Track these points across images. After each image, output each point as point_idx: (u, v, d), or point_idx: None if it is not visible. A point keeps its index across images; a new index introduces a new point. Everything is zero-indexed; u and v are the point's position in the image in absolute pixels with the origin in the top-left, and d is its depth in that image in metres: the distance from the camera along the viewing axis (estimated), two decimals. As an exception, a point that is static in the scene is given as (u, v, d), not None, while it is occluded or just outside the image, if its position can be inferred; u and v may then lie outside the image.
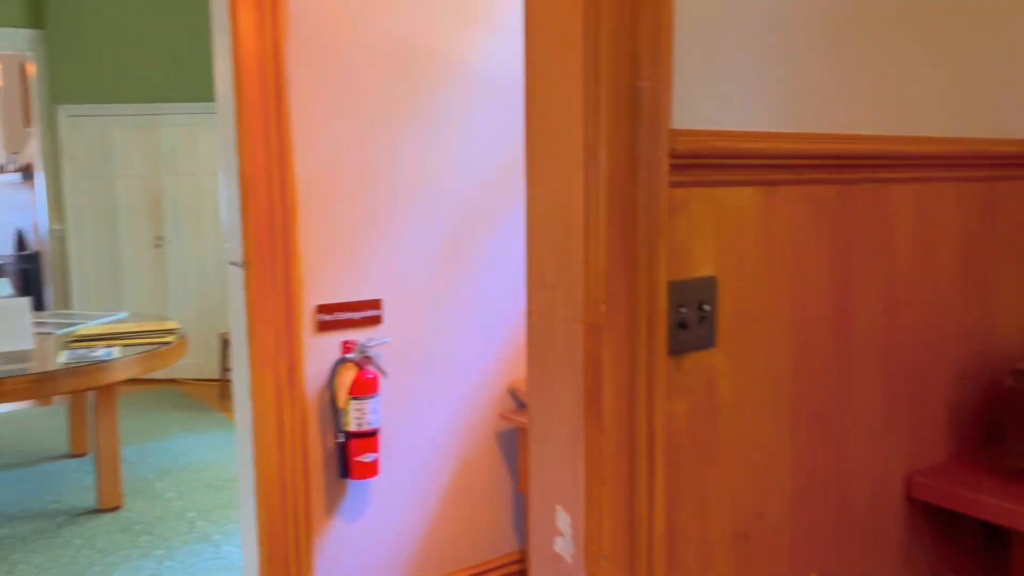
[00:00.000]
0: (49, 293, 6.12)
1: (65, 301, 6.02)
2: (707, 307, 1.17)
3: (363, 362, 2.18)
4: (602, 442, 1.06)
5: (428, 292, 2.40)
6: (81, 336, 3.69)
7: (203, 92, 5.74)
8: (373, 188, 2.29)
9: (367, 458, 2.17)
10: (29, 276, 6.49)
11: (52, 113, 5.95)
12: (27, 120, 10.52)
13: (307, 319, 2.16)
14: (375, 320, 2.27)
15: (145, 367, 3.53)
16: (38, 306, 6.93)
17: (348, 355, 2.20)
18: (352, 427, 2.15)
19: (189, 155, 5.78)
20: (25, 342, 3.27)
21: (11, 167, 9.41)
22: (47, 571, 3.09)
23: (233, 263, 2.12)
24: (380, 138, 2.29)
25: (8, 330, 3.22)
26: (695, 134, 1.12)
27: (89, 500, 3.76)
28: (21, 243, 9.61)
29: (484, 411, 2.55)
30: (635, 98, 1.03)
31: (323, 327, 2.18)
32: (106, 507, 3.63)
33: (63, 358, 3.29)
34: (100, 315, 4.33)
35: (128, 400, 5.42)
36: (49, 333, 3.84)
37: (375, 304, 2.27)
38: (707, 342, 1.19)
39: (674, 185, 1.11)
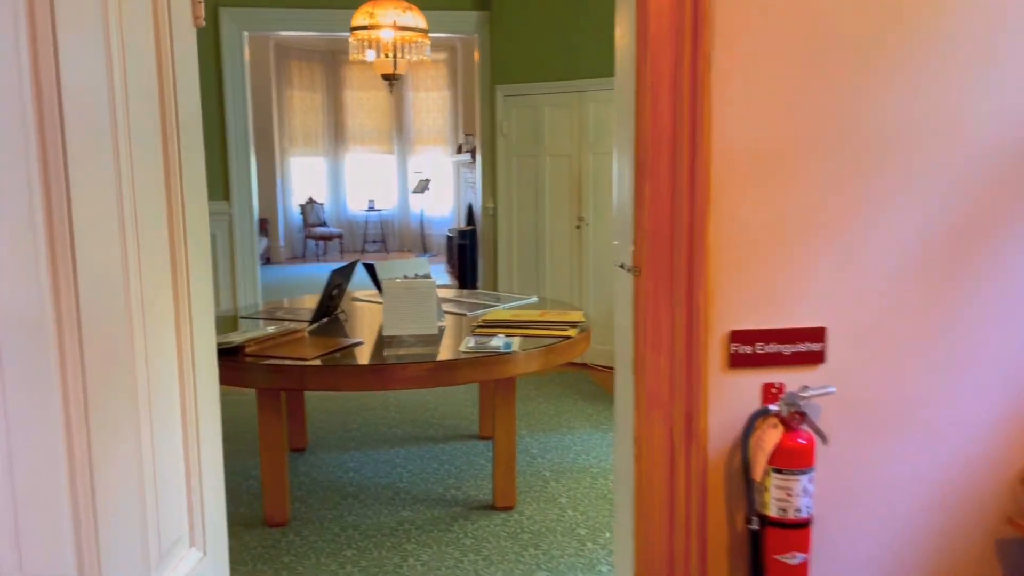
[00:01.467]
0: (480, 271, 6.35)
1: (493, 280, 6.18)
2: None
3: (792, 418, 1.51)
4: None
5: (898, 322, 1.62)
6: (487, 321, 3.52)
7: (631, 64, 5.39)
8: (820, 166, 1.58)
9: (792, 559, 1.50)
10: (464, 252, 6.81)
11: (491, 93, 6.09)
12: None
13: (715, 349, 1.55)
14: (814, 358, 1.57)
15: (543, 363, 3.23)
16: (468, 283, 7.29)
17: (771, 406, 1.55)
18: (772, 511, 1.50)
19: (611, 133, 5.48)
20: (431, 326, 3.15)
21: (466, 147, 10.25)
22: (433, 571, 2.95)
23: (621, 265, 1.60)
24: (839, 93, 1.57)
25: (417, 313, 3.13)
26: None
27: (486, 492, 3.61)
28: (471, 219, 10.42)
29: (978, 508, 1.69)
30: None
31: (737, 362, 1.55)
32: (500, 505, 3.44)
33: (465, 345, 3.12)
34: (513, 297, 4.20)
35: (537, 382, 5.33)
36: (463, 315, 3.77)
37: (816, 335, 1.57)
38: None
39: None
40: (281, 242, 12.54)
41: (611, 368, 5.73)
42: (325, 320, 3.67)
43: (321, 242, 12.77)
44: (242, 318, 3.85)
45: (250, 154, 5.99)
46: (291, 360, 3.01)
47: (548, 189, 5.77)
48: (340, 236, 12.74)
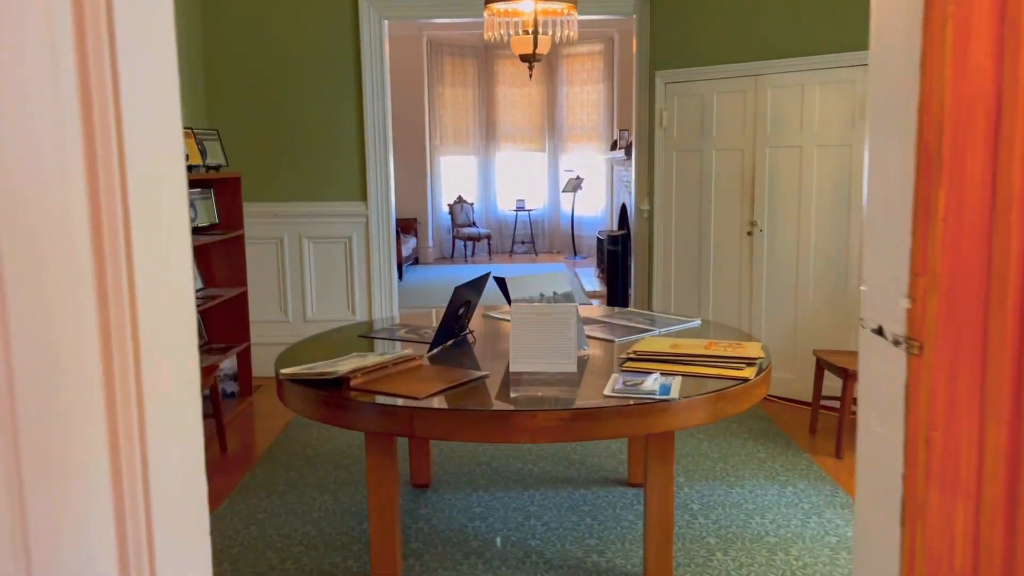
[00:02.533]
0: (632, 281, 5.65)
1: (647, 292, 5.48)
2: None
3: None
4: None
5: None
6: (639, 353, 2.86)
7: (817, 42, 4.54)
8: None
9: None
10: (616, 260, 6.09)
11: (650, 80, 5.40)
12: (636, 96, 10.65)
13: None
14: None
15: (710, 413, 2.53)
16: (619, 300, 6.54)
17: None
18: None
19: (792, 123, 4.66)
20: (569, 361, 2.54)
21: (621, 144, 9.55)
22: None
23: (878, 330, 0.93)
24: None
25: (552, 345, 2.53)
26: None
27: (635, 562, 2.96)
28: (624, 221, 9.70)
29: None
30: None
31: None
32: (651, 581, 2.78)
33: (612, 387, 2.49)
34: (670, 319, 3.51)
35: (700, 414, 4.59)
36: (610, 341, 3.13)
37: None
38: None
39: None
40: (430, 242, 12.32)
41: (789, 400, 4.95)
42: (450, 343, 3.14)
43: (469, 242, 12.45)
44: (360, 336, 3.38)
45: (389, 152, 5.60)
46: (401, 398, 2.49)
47: (714, 188, 5.01)
48: (488, 236, 12.37)
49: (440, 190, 12.51)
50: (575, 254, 12.32)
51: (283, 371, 2.75)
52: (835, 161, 4.55)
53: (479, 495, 3.57)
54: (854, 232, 4.51)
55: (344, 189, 5.62)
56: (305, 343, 3.31)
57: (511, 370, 2.50)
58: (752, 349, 2.90)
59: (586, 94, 12.24)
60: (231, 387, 5.10)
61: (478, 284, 3.24)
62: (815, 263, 4.66)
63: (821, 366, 4.24)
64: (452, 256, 12.61)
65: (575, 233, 12.41)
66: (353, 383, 2.60)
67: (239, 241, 5.00)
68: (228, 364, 5.06)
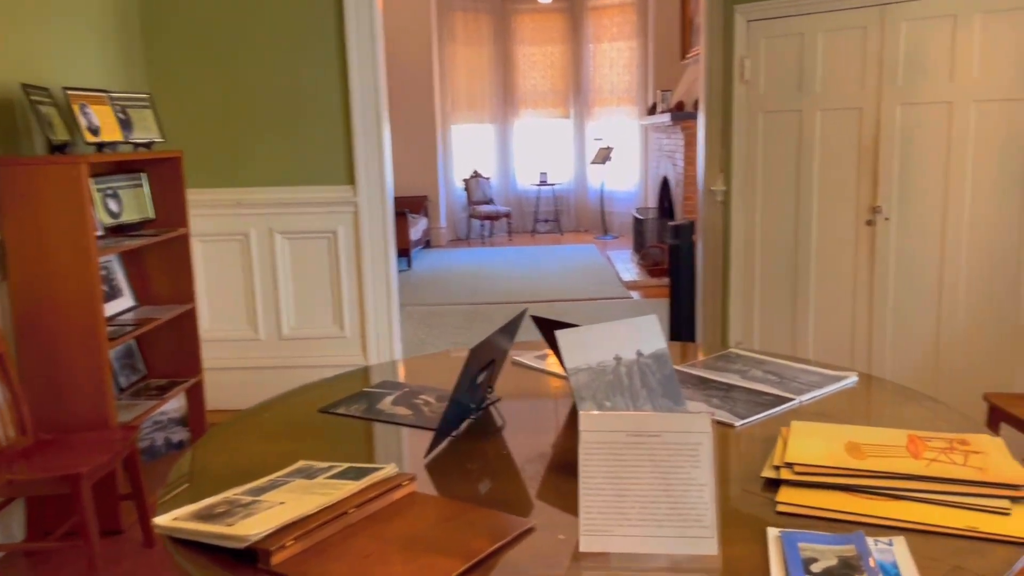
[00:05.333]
0: (698, 291, 4.33)
1: (720, 307, 4.19)
2: None
3: None
4: None
5: None
6: (799, 472, 1.59)
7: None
8: None
9: None
10: (678, 261, 4.70)
11: (726, 17, 4.07)
12: (684, 51, 9.26)
13: None
14: None
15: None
16: (684, 316, 4.69)
17: None
18: None
19: (938, 69, 3.34)
20: (705, 535, 1.24)
21: (663, 106, 8.22)
22: None
23: None
24: None
25: (669, 494, 1.25)
26: None
27: None
28: (665, 197, 8.38)
29: None
30: None
31: None
32: None
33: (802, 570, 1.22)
34: (808, 371, 2.23)
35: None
36: (728, 425, 1.85)
37: None
38: None
39: None
40: (442, 223, 11.05)
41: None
42: (460, 431, 1.89)
43: (487, 222, 11.18)
44: (322, 412, 2.13)
45: (383, 124, 4.33)
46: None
47: (817, 162, 3.71)
48: (508, 215, 11.09)
49: (453, 164, 11.22)
50: (605, 233, 11.01)
51: (159, 521, 1.51)
52: (1004, 122, 3.23)
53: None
54: (1032, 223, 3.21)
55: (326, 171, 4.36)
56: (220, 433, 2.03)
57: (581, 549, 1.23)
58: (998, 456, 1.63)
59: (616, 51, 10.84)
60: (179, 435, 3.89)
61: (509, 331, 1.98)
62: (968, 266, 3.36)
63: (997, 416, 2.96)
64: (468, 238, 11.36)
65: (605, 210, 11.09)
66: (276, 560, 1.36)
67: (183, 243, 3.75)
68: (174, 405, 3.84)
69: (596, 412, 1.34)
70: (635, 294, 7.25)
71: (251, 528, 1.39)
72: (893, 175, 3.48)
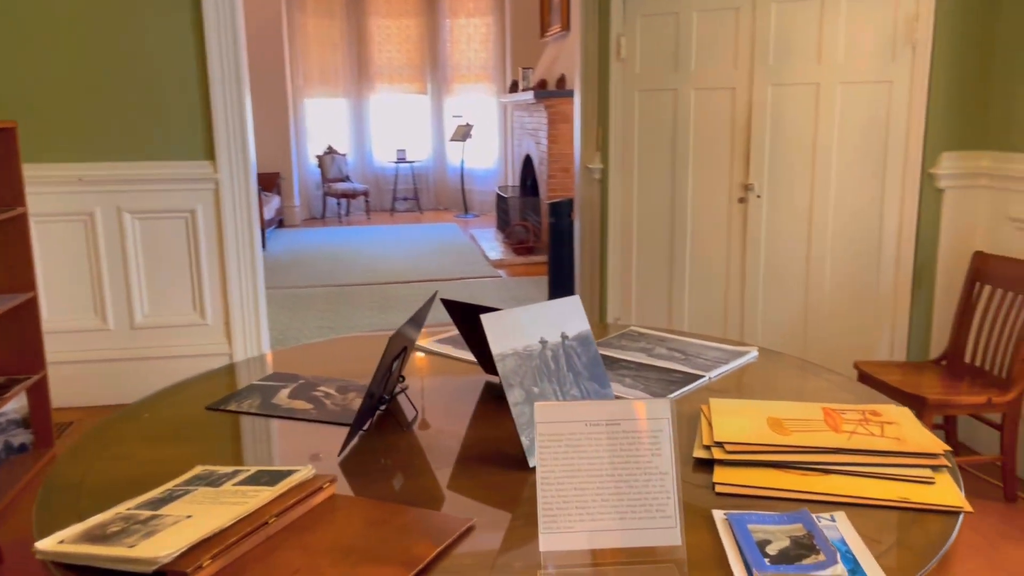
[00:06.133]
0: (577, 267, 4.35)
1: (599, 283, 4.22)
2: None
3: None
4: None
5: None
6: (731, 450, 1.58)
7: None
8: None
9: None
10: (560, 239, 4.66)
11: (601, -4, 4.07)
12: (543, 28, 9.26)
13: None
14: None
15: (930, 599, 1.30)
16: (562, 283, 4.84)
17: None
18: None
19: (806, 51, 3.47)
20: (668, 525, 1.19)
21: (525, 84, 8.19)
22: None
23: None
24: None
25: (630, 487, 1.19)
26: None
27: None
28: (527, 176, 8.40)
29: None
30: None
31: None
32: None
33: (757, 575, 1.19)
34: (708, 347, 2.25)
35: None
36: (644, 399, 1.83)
37: None
38: None
39: None
40: (296, 201, 10.62)
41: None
42: (368, 425, 1.76)
43: (343, 200, 10.84)
44: (209, 409, 1.93)
45: (244, 93, 4.04)
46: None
47: (692, 141, 3.78)
48: (366, 193, 10.79)
49: (306, 139, 10.78)
50: (466, 212, 10.95)
51: (42, 546, 1.30)
52: (867, 104, 3.40)
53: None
54: (890, 200, 3.40)
55: (182, 145, 4.02)
56: (94, 438, 1.80)
57: (541, 548, 1.15)
58: (910, 425, 1.69)
59: (473, 27, 10.74)
60: (20, 438, 3.49)
61: (419, 318, 1.87)
62: (833, 242, 3.53)
63: (865, 383, 3.12)
64: (323, 217, 10.98)
65: (466, 188, 11.01)
66: (192, 584, 1.20)
67: (19, 224, 3.35)
68: (14, 405, 3.44)
69: (553, 402, 1.26)
70: (502, 272, 7.23)
71: (159, 548, 1.22)
72: (764, 154, 3.60)
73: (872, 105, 3.39)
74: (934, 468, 1.53)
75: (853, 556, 1.25)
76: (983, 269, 3.16)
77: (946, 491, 1.45)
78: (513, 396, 1.56)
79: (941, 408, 2.85)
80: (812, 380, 2.10)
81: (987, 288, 3.17)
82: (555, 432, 1.19)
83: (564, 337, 1.72)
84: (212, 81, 3.94)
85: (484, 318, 1.61)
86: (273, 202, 9.58)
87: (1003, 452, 2.93)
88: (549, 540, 1.15)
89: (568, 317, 1.74)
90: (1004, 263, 3.07)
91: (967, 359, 3.17)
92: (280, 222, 10.32)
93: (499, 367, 1.57)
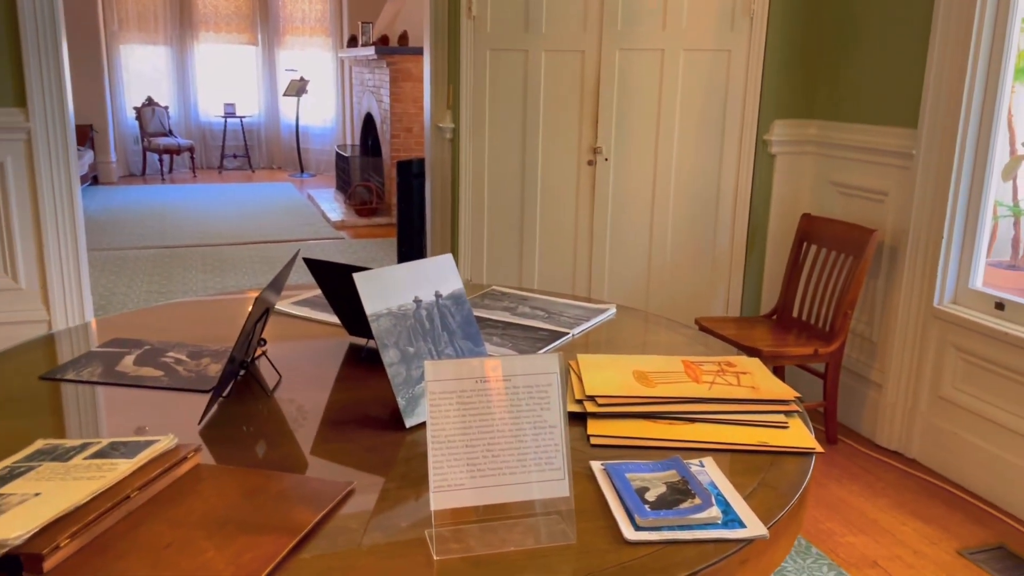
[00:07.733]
0: (428, 228, 4.30)
1: (452, 242, 4.20)
2: None
3: None
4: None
5: None
6: (602, 403, 1.62)
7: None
8: None
9: None
10: (410, 197, 4.61)
11: (452, -49, 3.99)
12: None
13: None
14: None
15: (794, 530, 1.40)
16: (413, 246, 4.77)
17: None
18: None
19: (652, 18, 3.57)
20: (558, 477, 1.19)
21: (365, 39, 7.94)
22: None
23: None
24: None
25: (522, 441, 1.19)
26: None
27: None
28: (370, 139, 8.19)
29: None
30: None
31: None
32: None
33: (625, 523, 1.23)
34: (569, 305, 2.30)
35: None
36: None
37: None
38: None
39: None
40: (112, 156, 9.83)
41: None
42: (228, 391, 1.66)
43: (166, 156, 10.15)
44: (43, 379, 1.75)
45: (60, 33, 3.66)
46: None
47: (543, 103, 3.82)
48: (191, 149, 10.16)
49: (123, 89, 9.98)
50: (302, 171, 10.56)
51: None
52: (708, 71, 3.55)
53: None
54: (728, 164, 3.59)
55: (-14, 87, 3.60)
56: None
57: (432, 507, 1.12)
58: (761, 374, 1.80)
59: (308, -22, 10.29)
60: None
61: (280, 280, 1.78)
62: (675, 205, 3.69)
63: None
64: (144, 174, 10.24)
65: (301, 146, 10.61)
66: (50, 565, 1.09)
67: None
68: None
69: (443, 360, 1.23)
70: (345, 234, 7.05)
71: (7, 530, 1.11)
72: (612, 117, 3.68)
73: (712, 73, 3.54)
74: (787, 414, 1.63)
75: (724, 498, 1.32)
76: (809, 230, 3.41)
77: (799, 435, 1.56)
78: (388, 356, 1.52)
79: (774, 359, 3.07)
80: (667, 334, 2.19)
81: (813, 248, 3.42)
82: (445, 390, 1.17)
83: (438, 296, 1.69)
84: (22, 18, 3.55)
85: (357, 277, 1.55)
86: (86, 157, 8.82)
87: (826, 398, 3.20)
88: (440, 498, 1.13)
89: (442, 276, 1.71)
90: (828, 224, 3.33)
91: (795, 314, 3.42)
92: (95, 179, 9.53)
93: (373, 327, 1.53)
